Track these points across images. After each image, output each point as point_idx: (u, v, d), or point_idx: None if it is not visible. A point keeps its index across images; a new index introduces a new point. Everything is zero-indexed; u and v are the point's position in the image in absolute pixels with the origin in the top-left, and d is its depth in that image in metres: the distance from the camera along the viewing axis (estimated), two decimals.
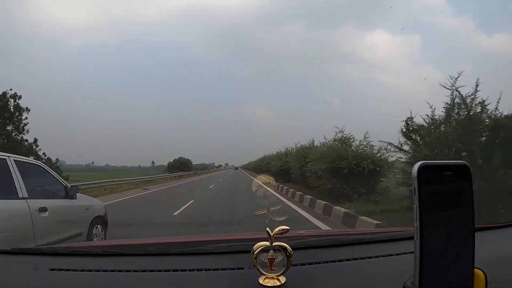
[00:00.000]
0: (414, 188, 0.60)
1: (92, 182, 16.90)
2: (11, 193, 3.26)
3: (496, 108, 5.05)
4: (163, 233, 5.53)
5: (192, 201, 11.02)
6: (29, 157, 10.09)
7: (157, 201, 12.70)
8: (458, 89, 5.37)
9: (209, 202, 11.77)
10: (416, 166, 0.60)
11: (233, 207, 9.42)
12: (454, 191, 0.61)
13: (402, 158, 6.80)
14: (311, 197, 9.85)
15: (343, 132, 10.93)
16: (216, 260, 1.12)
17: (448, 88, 5.47)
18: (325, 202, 8.38)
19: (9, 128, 22.91)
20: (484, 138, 4.99)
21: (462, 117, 5.28)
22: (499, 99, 5.07)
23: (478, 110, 5.15)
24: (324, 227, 6.18)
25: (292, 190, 12.87)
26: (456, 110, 5.44)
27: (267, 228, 0.85)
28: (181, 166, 60.26)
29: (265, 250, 0.85)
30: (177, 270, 1.02)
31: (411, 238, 0.62)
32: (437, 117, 5.82)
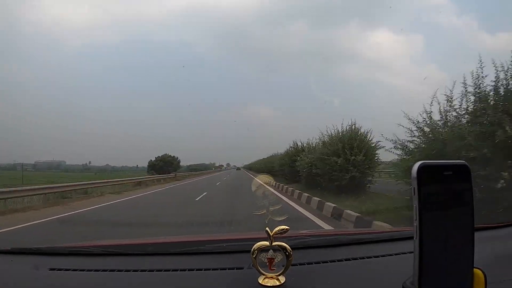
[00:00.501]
0: (414, 188, 0.60)
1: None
2: None
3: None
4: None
5: None
6: None
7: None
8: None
9: None
10: (416, 166, 0.60)
11: None
12: (453, 191, 0.61)
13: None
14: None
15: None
16: (216, 260, 1.12)
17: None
18: None
19: None
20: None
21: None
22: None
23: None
24: None
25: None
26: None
27: (267, 228, 0.85)
28: (164, 166, 46.80)
29: (265, 250, 0.85)
30: (177, 270, 1.02)
31: (411, 238, 0.62)
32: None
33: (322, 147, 11.98)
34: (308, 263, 1.02)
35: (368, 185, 10.73)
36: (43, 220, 7.50)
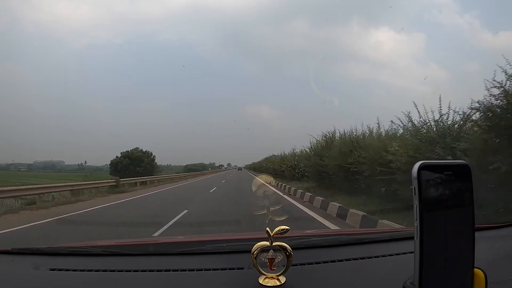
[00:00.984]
0: (414, 188, 0.60)
1: None
2: None
3: None
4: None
5: None
6: None
7: None
8: None
9: None
10: (416, 166, 0.60)
11: None
12: (454, 191, 0.61)
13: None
14: None
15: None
16: (216, 260, 1.12)
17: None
18: None
19: None
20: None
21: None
22: None
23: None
24: None
25: None
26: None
27: (267, 228, 0.85)
28: (130, 164, 34.61)
29: (265, 250, 0.85)
30: (177, 270, 1.02)
31: (411, 238, 0.62)
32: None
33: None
34: (309, 263, 1.02)
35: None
36: None
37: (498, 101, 4.64)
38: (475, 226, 0.62)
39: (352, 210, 6.17)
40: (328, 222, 5.98)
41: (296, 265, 0.94)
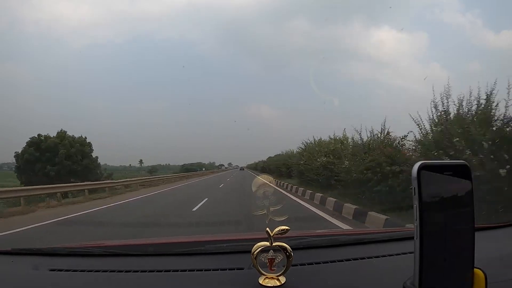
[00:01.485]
0: (414, 188, 0.60)
1: None
2: None
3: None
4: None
5: None
6: None
7: None
8: None
9: None
10: (416, 166, 0.60)
11: None
12: (454, 191, 0.61)
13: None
14: None
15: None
16: (216, 260, 1.12)
17: None
18: None
19: None
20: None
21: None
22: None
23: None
24: None
25: None
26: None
27: (267, 228, 0.85)
28: (36, 160, 22.89)
29: (265, 250, 0.85)
30: (177, 270, 1.02)
31: (411, 238, 0.62)
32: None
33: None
34: (309, 264, 1.02)
35: None
36: None
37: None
38: (475, 226, 0.62)
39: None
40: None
41: (296, 265, 0.94)
